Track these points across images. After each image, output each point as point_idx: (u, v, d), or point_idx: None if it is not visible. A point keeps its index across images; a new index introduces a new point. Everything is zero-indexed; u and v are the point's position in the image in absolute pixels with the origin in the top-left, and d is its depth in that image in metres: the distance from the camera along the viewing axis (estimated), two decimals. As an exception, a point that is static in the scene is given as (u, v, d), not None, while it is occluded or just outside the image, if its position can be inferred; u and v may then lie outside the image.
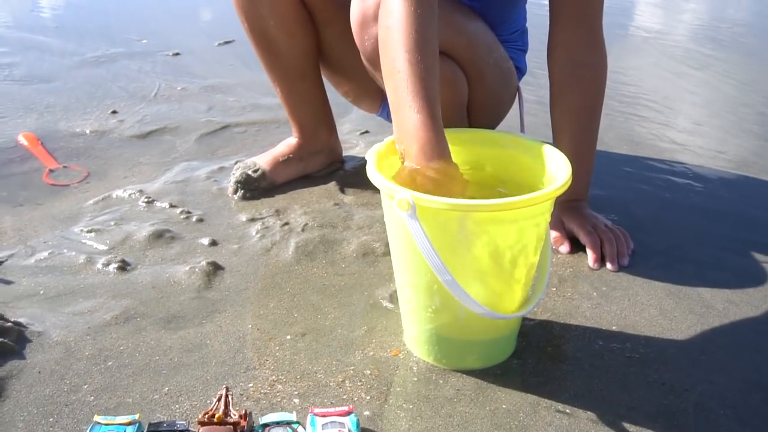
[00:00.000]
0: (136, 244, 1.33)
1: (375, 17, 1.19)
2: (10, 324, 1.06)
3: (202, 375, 1.00)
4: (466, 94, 1.35)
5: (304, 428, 0.89)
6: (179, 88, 2.24)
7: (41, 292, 1.18)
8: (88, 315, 1.13)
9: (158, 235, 1.35)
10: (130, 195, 1.51)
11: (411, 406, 0.95)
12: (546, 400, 0.97)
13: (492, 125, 1.45)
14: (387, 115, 1.61)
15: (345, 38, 1.35)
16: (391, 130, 1.04)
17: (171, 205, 1.47)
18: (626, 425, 0.93)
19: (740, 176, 1.73)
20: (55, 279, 1.22)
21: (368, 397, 0.97)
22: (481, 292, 0.94)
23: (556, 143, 1.33)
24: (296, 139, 1.61)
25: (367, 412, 0.94)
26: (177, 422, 0.89)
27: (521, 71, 1.51)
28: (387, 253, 1.29)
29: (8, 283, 1.21)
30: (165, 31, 2.93)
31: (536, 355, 1.06)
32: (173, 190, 1.55)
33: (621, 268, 1.28)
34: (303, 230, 1.38)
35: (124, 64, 2.48)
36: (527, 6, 1.48)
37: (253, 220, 1.43)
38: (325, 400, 0.96)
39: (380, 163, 1.00)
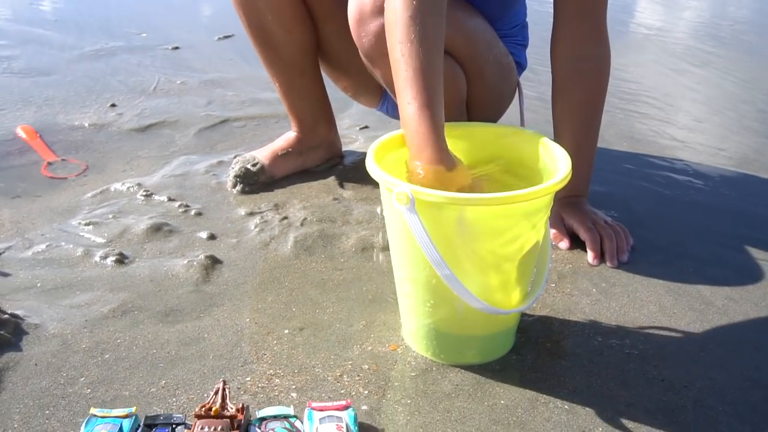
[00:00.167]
0: (134, 237, 1.32)
1: (372, 13, 1.19)
2: (6, 316, 1.06)
3: (200, 368, 1.00)
4: (465, 91, 1.34)
5: (302, 422, 0.88)
6: (178, 82, 2.24)
7: (38, 284, 1.18)
8: (85, 308, 1.12)
9: (156, 229, 1.34)
10: (128, 188, 1.50)
11: (409, 401, 0.95)
12: (545, 395, 0.97)
13: (492, 121, 1.44)
14: (387, 110, 1.60)
15: (344, 34, 1.34)
16: (391, 125, 1.03)
17: (169, 199, 1.46)
18: (625, 421, 0.93)
19: (740, 173, 1.73)
20: (52, 271, 1.21)
21: (366, 392, 0.96)
22: (479, 287, 0.94)
23: (557, 138, 1.32)
24: (295, 134, 1.60)
25: (365, 407, 0.93)
26: (174, 415, 0.88)
27: (521, 66, 1.50)
28: (385, 247, 1.29)
29: (5, 275, 1.20)
30: (164, 25, 2.92)
31: (535, 350, 1.06)
32: (172, 183, 1.54)
33: (620, 265, 1.28)
34: (302, 225, 1.37)
35: (124, 57, 2.47)
36: (527, 1, 1.47)
37: (251, 214, 1.42)
38: (323, 395, 0.95)
39: (380, 157, 0.99)
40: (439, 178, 0.96)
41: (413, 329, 1.04)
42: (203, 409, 0.86)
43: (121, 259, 1.25)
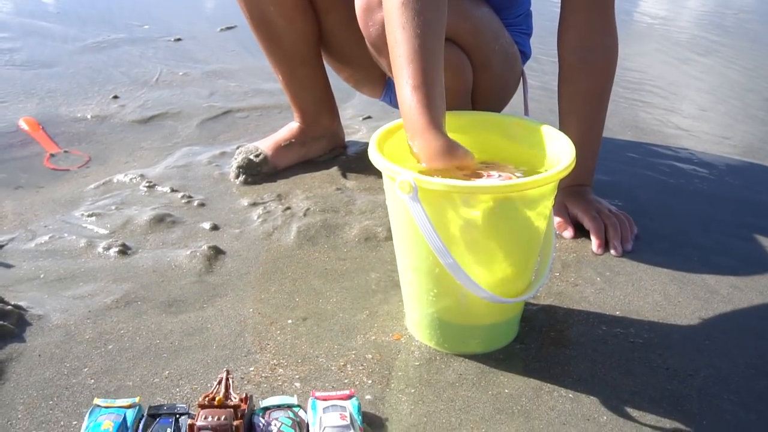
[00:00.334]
0: (137, 228, 1.32)
1: (379, 3, 1.18)
2: (10, 307, 1.06)
3: (203, 358, 1.00)
4: (471, 81, 1.34)
5: (305, 412, 0.88)
6: (181, 74, 2.23)
7: (42, 275, 1.18)
8: (88, 299, 1.12)
9: (159, 220, 1.34)
10: (131, 179, 1.50)
11: (413, 391, 0.95)
12: (549, 384, 0.96)
13: (496, 110, 1.43)
14: (390, 100, 1.60)
15: (346, 24, 1.34)
16: (393, 115, 1.03)
17: (172, 190, 1.46)
18: (629, 410, 0.92)
19: (745, 162, 1.72)
20: (55, 263, 1.21)
21: (370, 381, 0.96)
22: (483, 276, 0.93)
23: (562, 127, 1.32)
24: (298, 124, 1.60)
25: (368, 396, 0.93)
26: (177, 405, 0.88)
27: (525, 55, 1.49)
28: (389, 237, 1.29)
29: (9, 266, 1.20)
30: (167, 17, 2.92)
31: (539, 339, 1.06)
32: (174, 174, 1.54)
33: (625, 254, 1.27)
34: (305, 215, 1.37)
35: (126, 49, 2.47)
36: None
37: (254, 204, 1.42)
38: (327, 384, 0.95)
39: (382, 146, 0.99)
40: (436, 157, 0.94)
41: (417, 319, 1.04)
42: (207, 399, 0.85)
43: (124, 250, 1.25)
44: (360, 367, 0.99)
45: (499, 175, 0.98)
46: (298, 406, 0.89)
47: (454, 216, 0.90)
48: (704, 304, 1.15)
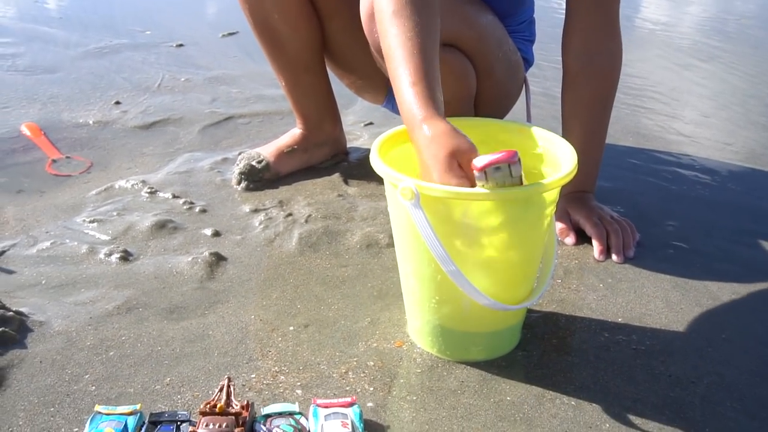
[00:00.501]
0: (138, 234, 1.32)
1: None
2: (11, 313, 1.06)
3: (204, 365, 0.99)
4: (475, 87, 1.34)
5: (307, 419, 0.88)
6: (183, 80, 2.23)
7: (43, 281, 1.18)
8: (89, 305, 1.12)
9: (161, 226, 1.34)
10: (132, 185, 1.50)
11: (414, 398, 0.95)
12: (551, 392, 0.96)
13: (498, 117, 1.43)
14: (392, 107, 1.59)
15: (349, 30, 1.34)
16: (395, 122, 1.03)
17: (174, 196, 1.46)
18: (632, 417, 0.92)
19: (747, 168, 1.72)
20: (57, 269, 1.21)
21: (371, 389, 0.96)
22: (485, 283, 0.93)
23: (565, 132, 1.31)
24: (300, 131, 1.60)
25: (370, 404, 0.93)
26: (178, 412, 0.88)
27: (528, 62, 1.49)
28: (391, 244, 1.29)
29: (10, 272, 1.20)
30: (169, 23, 2.92)
31: (541, 346, 1.05)
32: (176, 180, 1.54)
33: (627, 260, 1.27)
34: (306, 221, 1.37)
35: (128, 55, 2.47)
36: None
37: (256, 211, 1.42)
38: (328, 392, 0.95)
39: (384, 153, 0.99)
40: (437, 139, 0.91)
41: (418, 326, 1.04)
42: (208, 406, 0.85)
43: (126, 257, 1.25)
44: (362, 375, 0.98)
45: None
46: (300, 413, 0.89)
47: (456, 223, 0.90)
48: (707, 310, 1.14)
